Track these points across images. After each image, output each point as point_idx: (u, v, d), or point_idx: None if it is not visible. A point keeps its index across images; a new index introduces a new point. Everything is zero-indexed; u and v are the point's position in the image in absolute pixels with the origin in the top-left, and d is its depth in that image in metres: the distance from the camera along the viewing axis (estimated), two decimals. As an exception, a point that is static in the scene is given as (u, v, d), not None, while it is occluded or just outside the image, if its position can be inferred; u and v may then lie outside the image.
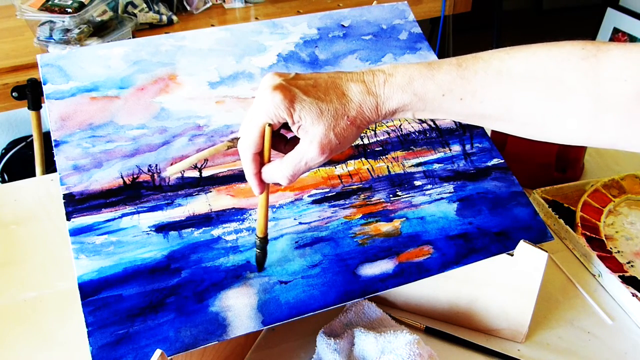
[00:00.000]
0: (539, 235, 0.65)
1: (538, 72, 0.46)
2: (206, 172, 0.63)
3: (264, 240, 0.56)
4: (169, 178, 0.61)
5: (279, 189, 0.64)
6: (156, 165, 0.62)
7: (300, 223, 0.62)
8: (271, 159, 0.51)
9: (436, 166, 0.69)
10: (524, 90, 0.47)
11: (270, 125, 0.48)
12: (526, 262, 0.60)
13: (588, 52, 0.45)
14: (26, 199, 0.88)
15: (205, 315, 0.53)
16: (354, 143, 0.66)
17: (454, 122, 0.74)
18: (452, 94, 0.48)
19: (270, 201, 0.61)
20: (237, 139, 0.52)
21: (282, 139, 0.53)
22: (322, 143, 0.47)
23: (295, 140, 0.50)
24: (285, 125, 0.49)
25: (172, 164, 0.62)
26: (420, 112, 0.50)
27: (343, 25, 0.80)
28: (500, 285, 0.62)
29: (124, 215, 0.58)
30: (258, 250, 0.57)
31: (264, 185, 0.52)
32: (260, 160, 0.50)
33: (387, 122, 0.73)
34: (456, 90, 0.48)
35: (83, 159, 0.61)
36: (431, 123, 0.73)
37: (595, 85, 0.44)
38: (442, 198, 0.67)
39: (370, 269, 0.59)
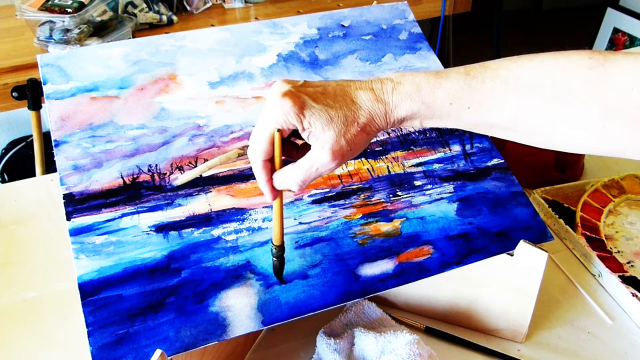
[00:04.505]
0: (539, 235, 0.65)
1: (546, 81, 0.46)
2: (206, 172, 0.63)
3: (281, 249, 0.55)
4: (169, 178, 0.61)
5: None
6: (156, 165, 0.62)
7: (300, 223, 0.62)
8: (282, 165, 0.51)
9: (436, 166, 0.69)
10: (532, 99, 0.47)
11: (279, 130, 0.48)
12: (526, 262, 0.60)
13: (595, 62, 0.45)
14: (26, 199, 0.88)
15: (205, 315, 0.53)
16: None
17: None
18: (460, 102, 0.48)
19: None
20: (247, 146, 0.51)
21: (293, 147, 0.53)
22: (333, 149, 0.48)
23: (306, 147, 0.50)
24: (296, 133, 0.49)
25: (171, 165, 0.62)
26: (428, 121, 0.50)
27: (343, 25, 0.80)
28: (500, 285, 0.62)
29: (124, 215, 0.58)
30: (275, 259, 0.56)
31: (276, 192, 0.52)
32: (272, 167, 0.50)
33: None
34: (464, 98, 0.48)
35: (83, 159, 0.61)
36: (431, 123, 0.73)
37: (602, 94, 0.44)
38: (442, 198, 0.67)
39: (370, 269, 0.59)
